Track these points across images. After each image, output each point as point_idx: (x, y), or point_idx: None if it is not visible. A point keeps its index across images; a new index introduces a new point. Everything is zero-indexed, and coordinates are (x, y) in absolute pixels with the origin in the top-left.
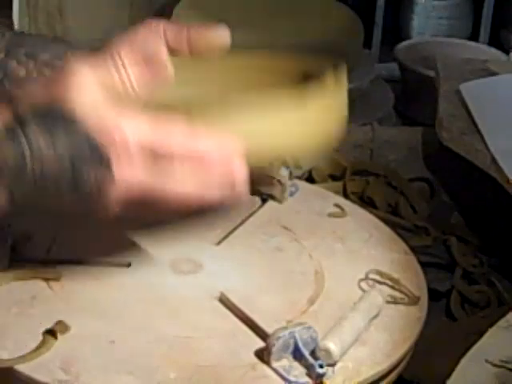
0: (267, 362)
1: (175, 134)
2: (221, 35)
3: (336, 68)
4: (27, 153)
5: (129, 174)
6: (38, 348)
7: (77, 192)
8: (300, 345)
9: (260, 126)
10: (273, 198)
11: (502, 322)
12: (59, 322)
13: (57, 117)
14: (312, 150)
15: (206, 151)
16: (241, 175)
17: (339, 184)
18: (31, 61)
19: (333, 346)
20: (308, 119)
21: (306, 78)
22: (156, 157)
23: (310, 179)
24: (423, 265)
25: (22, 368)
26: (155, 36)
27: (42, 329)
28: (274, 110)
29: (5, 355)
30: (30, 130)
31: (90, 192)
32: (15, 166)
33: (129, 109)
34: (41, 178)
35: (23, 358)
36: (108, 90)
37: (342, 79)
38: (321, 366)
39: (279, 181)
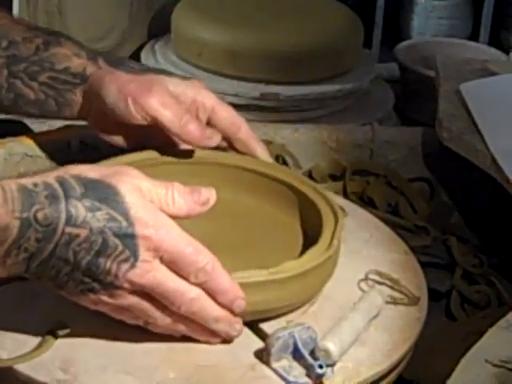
0: (267, 363)
1: (204, 260)
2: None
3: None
4: (63, 216)
5: (149, 267)
6: (38, 348)
7: (95, 268)
8: (299, 345)
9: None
10: None
11: (502, 322)
12: (59, 322)
13: (104, 192)
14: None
15: (224, 289)
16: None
17: (339, 184)
18: (34, 82)
19: (332, 346)
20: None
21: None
22: (178, 268)
23: (309, 179)
24: (423, 265)
25: (22, 368)
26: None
27: (42, 329)
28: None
29: (4, 355)
30: (73, 196)
31: (107, 270)
32: (46, 225)
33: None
34: (64, 248)
35: (23, 358)
36: None
37: (337, 238)
38: (320, 367)
39: None
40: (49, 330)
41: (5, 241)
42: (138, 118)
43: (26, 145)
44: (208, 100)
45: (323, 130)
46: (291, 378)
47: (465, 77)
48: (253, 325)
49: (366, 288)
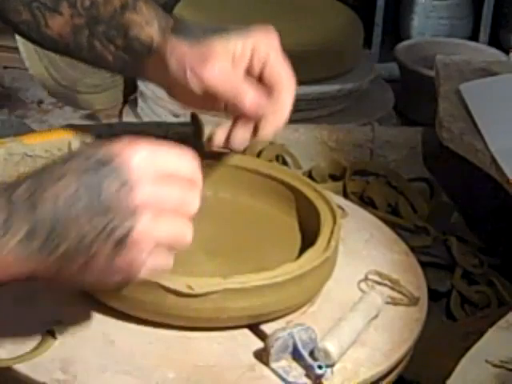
0: (266, 363)
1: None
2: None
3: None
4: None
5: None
6: (37, 348)
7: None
8: (299, 345)
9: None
10: None
11: (502, 322)
12: (58, 322)
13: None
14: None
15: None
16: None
17: (339, 184)
18: (111, 45)
19: (331, 346)
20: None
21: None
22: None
23: (309, 179)
24: (423, 265)
25: (21, 368)
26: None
27: (41, 329)
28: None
29: (3, 355)
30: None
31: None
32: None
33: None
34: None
35: (22, 358)
36: None
37: (335, 238)
38: (320, 367)
39: None
40: (48, 329)
41: None
42: (196, 89)
43: (26, 145)
44: (264, 51)
45: (323, 129)
46: (290, 379)
47: (465, 77)
48: (252, 325)
49: (365, 288)
